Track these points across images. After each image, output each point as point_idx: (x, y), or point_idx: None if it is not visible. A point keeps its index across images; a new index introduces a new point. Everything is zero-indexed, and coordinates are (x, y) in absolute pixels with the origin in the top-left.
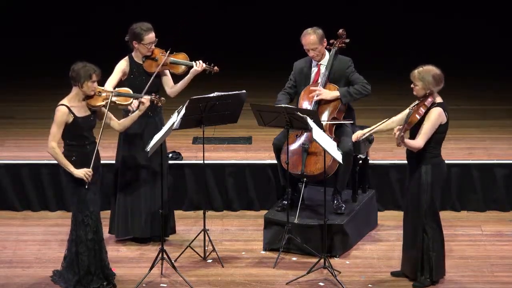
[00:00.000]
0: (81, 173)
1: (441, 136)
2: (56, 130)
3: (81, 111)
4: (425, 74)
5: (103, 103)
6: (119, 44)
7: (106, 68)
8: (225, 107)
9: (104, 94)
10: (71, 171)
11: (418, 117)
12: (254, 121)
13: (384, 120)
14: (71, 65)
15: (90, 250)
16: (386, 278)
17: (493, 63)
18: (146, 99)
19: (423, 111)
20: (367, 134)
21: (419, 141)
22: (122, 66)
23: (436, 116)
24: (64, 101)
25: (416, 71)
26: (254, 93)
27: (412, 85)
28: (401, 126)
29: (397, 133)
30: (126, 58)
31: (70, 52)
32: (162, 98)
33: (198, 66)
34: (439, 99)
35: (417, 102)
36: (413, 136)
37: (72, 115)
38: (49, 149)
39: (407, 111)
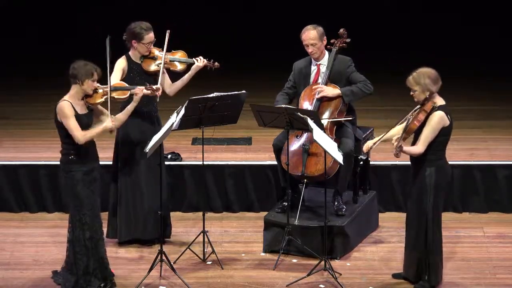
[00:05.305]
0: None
1: (445, 139)
2: (73, 122)
3: (82, 110)
4: (421, 77)
5: (103, 99)
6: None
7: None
8: (224, 108)
9: (101, 91)
10: (107, 127)
11: (417, 124)
12: (254, 121)
13: (392, 128)
14: (71, 64)
15: (88, 250)
16: (387, 280)
17: (494, 63)
18: (139, 89)
19: (423, 117)
20: (377, 143)
21: (419, 147)
22: (121, 64)
23: (437, 120)
24: (66, 97)
25: (410, 77)
26: (254, 94)
27: (411, 93)
28: (400, 135)
29: (395, 143)
30: (124, 57)
31: (69, 52)
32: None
33: (200, 62)
34: (440, 102)
35: (418, 107)
36: (416, 141)
37: (74, 112)
38: (82, 141)
39: (408, 116)
